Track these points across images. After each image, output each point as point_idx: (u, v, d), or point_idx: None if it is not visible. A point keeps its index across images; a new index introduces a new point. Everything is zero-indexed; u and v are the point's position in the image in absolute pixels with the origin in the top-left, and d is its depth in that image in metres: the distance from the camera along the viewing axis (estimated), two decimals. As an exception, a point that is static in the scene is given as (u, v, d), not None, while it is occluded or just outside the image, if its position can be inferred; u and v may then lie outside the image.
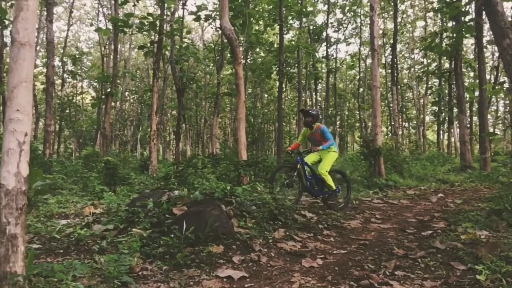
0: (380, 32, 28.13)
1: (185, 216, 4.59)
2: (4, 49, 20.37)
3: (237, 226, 4.96)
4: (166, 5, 15.96)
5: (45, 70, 20.95)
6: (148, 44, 16.96)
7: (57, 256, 4.12)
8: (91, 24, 34.59)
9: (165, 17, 16.39)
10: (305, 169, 7.32)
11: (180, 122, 19.57)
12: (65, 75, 29.16)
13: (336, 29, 31.74)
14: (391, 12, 27.78)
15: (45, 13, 16.55)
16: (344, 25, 31.87)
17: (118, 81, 24.25)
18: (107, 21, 26.73)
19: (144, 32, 16.65)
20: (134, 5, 22.25)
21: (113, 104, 24.44)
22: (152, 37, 17.73)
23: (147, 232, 4.42)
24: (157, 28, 15.81)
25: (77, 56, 29.03)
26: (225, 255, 4.11)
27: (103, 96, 22.73)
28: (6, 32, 19.75)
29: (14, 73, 3.01)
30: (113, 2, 19.76)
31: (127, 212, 5.17)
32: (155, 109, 15.78)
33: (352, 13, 30.46)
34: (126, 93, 37.53)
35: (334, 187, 7.39)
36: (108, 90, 17.47)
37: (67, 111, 30.82)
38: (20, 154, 2.95)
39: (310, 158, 7.54)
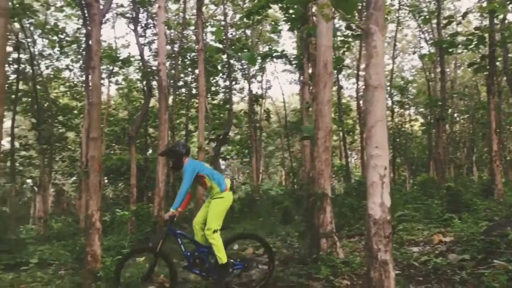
0: None
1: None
2: (340, 92, 23.29)
3: None
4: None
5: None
6: (478, 59, 15.80)
7: (418, 283, 4.27)
8: (414, 52, 35.20)
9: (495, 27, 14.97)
10: (179, 242, 5.02)
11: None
12: (393, 106, 30.50)
13: None
14: None
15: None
16: None
17: (447, 103, 23.55)
18: (429, 45, 26.69)
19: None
20: (459, 23, 21.31)
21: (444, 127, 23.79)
22: (481, 50, 16.47)
23: (512, 265, 4.01)
24: (486, 40, 14.56)
25: (403, 86, 30.00)
26: None
27: (432, 121, 22.51)
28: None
29: (371, 114, 3.39)
30: (434, 26, 19.60)
31: (483, 242, 4.85)
32: (494, 127, 14.38)
33: None
34: (455, 114, 35.83)
35: (224, 260, 4.86)
36: (437, 114, 17.18)
37: (398, 140, 31.91)
38: (382, 186, 3.26)
39: (197, 218, 5.17)
